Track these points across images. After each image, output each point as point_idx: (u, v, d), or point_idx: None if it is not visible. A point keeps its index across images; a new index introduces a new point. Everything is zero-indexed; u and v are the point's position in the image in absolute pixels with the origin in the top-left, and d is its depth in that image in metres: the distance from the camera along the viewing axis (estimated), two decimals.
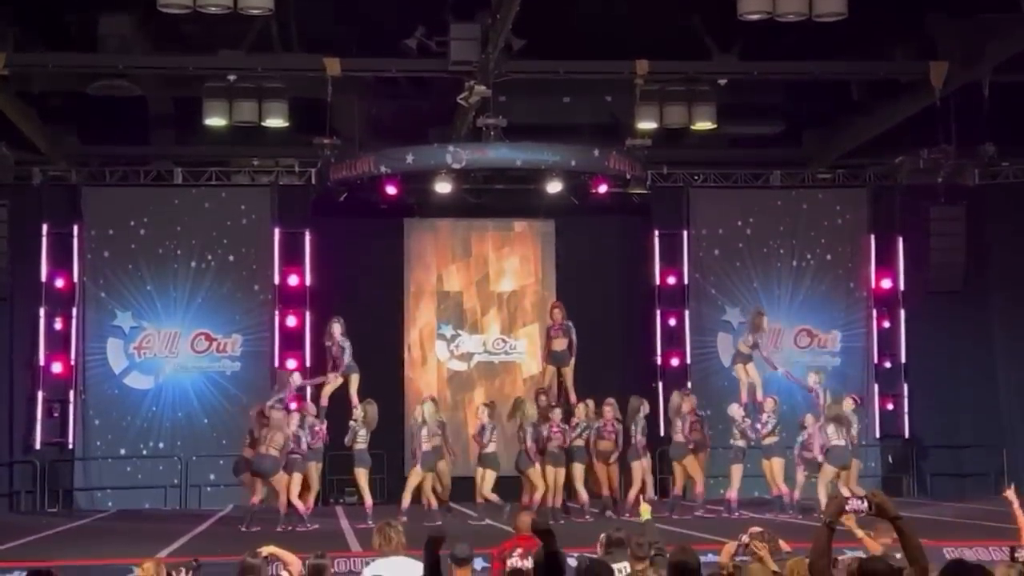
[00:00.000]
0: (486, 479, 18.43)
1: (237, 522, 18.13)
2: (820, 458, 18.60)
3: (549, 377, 20.08)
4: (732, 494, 19.28)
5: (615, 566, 8.53)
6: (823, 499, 18.26)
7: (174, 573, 7.75)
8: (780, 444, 19.29)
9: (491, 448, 18.58)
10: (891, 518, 6.22)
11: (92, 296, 23.41)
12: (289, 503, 17.99)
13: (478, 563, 9.58)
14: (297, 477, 18.16)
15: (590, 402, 19.26)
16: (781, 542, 9.12)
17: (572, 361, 19.81)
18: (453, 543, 8.76)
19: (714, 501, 19.78)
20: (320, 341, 19.98)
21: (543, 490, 18.50)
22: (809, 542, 6.25)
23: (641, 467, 19.32)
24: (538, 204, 23.14)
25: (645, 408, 19.56)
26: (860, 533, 8.48)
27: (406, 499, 18.14)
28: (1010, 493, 9.39)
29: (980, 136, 21.81)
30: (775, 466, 19.22)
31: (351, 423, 18.55)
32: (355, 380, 19.05)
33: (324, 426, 18.72)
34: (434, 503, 18.32)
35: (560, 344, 19.81)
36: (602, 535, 9.64)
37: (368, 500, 18.44)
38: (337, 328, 19.08)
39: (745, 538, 8.73)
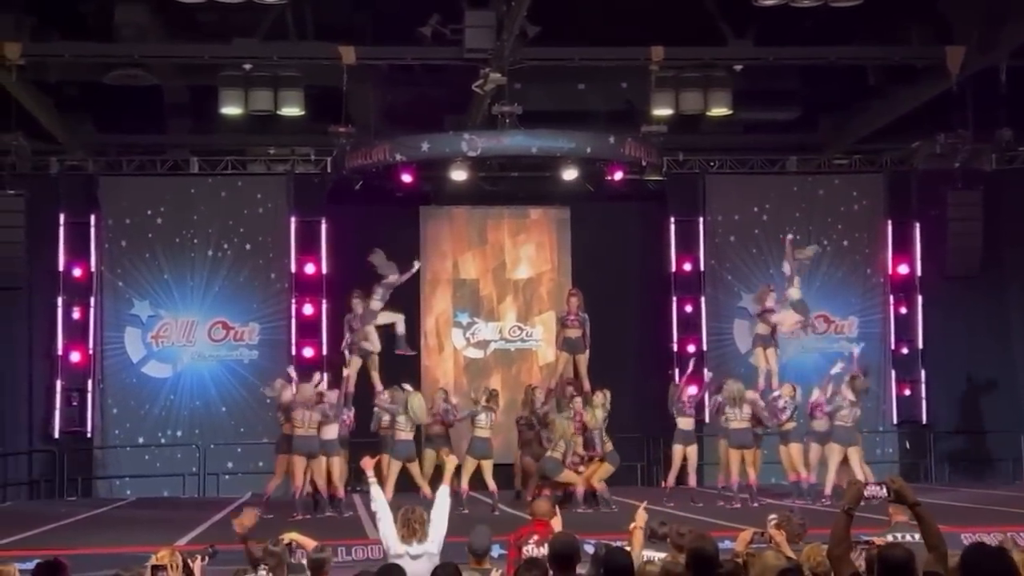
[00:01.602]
0: (468, 466, 17.97)
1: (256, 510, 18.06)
2: (821, 415, 18.70)
3: (563, 365, 19.99)
4: (751, 480, 19.22)
5: (645, 553, 8.53)
6: (832, 478, 18.31)
7: (190, 561, 7.76)
8: (798, 430, 19.24)
9: (481, 433, 18.26)
10: (910, 504, 6.21)
11: (110, 285, 23.47)
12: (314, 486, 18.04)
13: (495, 550, 9.58)
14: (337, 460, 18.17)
15: (607, 392, 19.12)
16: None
17: (587, 350, 19.76)
18: (471, 530, 8.79)
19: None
20: (337, 329, 19.90)
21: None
22: (826, 528, 6.25)
23: (680, 452, 19.19)
24: (554, 191, 23.13)
25: (688, 392, 19.50)
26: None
27: (388, 491, 17.96)
28: None
29: (997, 121, 21.75)
30: (793, 452, 19.19)
31: (375, 409, 18.54)
32: (375, 362, 19.13)
33: (351, 413, 18.73)
34: (427, 491, 18.08)
35: (574, 332, 19.73)
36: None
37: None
38: (359, 305, 19.07)
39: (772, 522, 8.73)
